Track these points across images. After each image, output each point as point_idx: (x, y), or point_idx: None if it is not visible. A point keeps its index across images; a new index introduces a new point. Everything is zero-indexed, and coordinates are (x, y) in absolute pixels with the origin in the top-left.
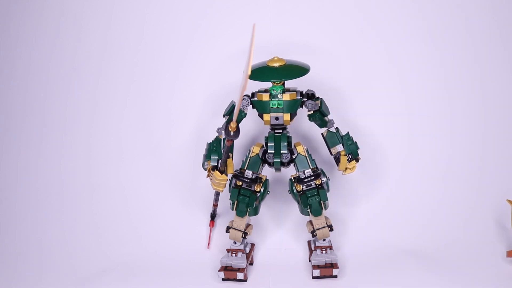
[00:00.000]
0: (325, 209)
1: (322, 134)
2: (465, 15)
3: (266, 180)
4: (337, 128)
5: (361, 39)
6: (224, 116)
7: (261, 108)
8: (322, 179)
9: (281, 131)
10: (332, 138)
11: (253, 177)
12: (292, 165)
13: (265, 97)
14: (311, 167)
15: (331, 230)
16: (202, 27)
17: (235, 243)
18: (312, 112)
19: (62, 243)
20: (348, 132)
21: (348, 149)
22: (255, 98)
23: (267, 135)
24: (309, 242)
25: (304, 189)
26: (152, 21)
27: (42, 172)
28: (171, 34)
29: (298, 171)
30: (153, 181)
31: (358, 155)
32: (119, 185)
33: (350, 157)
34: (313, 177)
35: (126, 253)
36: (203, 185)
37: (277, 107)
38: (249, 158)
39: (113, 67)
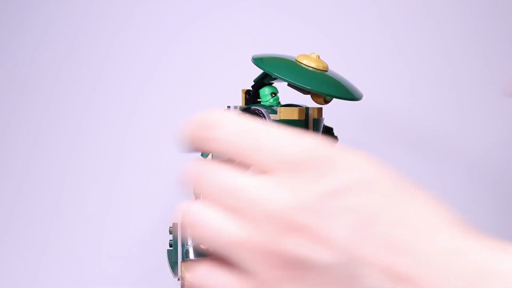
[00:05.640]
0: None
1: None
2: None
3: None
4: None
5: (361, 38)
6: None
7: None
8: None
9: None
10: None
11: None
12: None
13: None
14: None
15: None
16: (201, 36)
17: None
18: None
19: (63, 243)
20: None
21: None
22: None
23: None
24: None
25: None
26: (152, 29)
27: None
28: (168, 48)
29: None
30: (153, 188)
31: None
32: (116, 190)
33: None
34: None
35: (125, 253)
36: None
37: None
38: None
39: (112, 69)
